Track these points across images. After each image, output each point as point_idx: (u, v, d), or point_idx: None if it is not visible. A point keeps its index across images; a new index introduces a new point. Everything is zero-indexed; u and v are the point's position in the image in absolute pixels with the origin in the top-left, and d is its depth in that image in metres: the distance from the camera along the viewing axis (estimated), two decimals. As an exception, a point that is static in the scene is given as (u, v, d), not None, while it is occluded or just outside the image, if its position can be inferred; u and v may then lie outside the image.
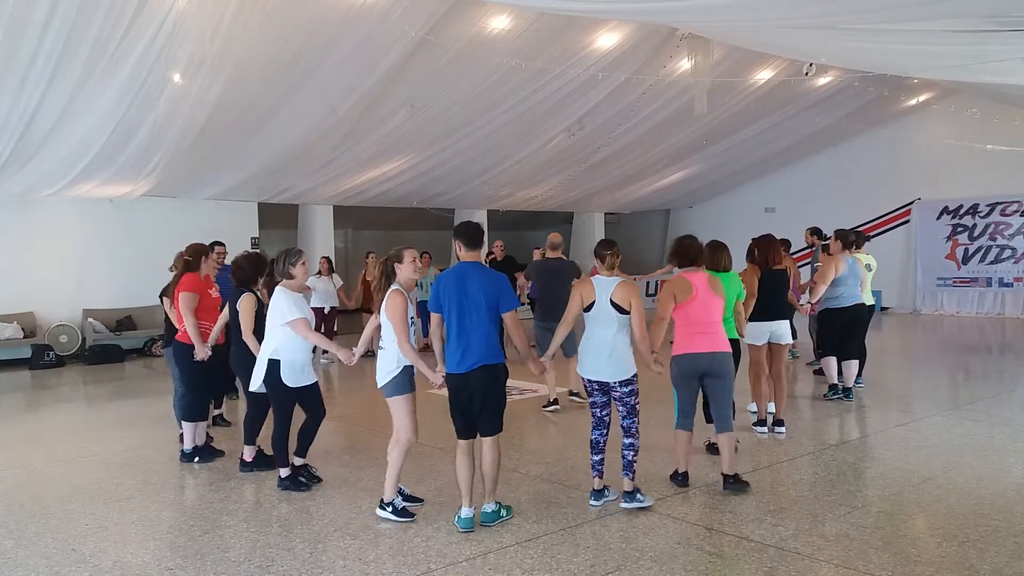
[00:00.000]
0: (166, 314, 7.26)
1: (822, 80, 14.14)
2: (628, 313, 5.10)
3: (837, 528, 4.84)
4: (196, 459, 6.64)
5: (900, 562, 4.28)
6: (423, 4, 9.53)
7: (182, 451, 6.72)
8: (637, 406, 5.22)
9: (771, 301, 7.05)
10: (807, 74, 12.47)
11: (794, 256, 11.51)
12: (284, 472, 5.80)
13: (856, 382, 8.76)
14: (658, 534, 4.78)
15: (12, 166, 11.21)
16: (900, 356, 12.20)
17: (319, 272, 12.75)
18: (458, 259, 4.99)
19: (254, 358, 6.11)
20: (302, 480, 5.82)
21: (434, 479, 5.94)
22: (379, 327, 5.14)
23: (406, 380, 5.05)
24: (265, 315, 6.23)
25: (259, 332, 6.06)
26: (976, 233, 17.80)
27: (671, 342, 5.71)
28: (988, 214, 17.59)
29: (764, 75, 13.47)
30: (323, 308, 12.25)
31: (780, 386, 7.24)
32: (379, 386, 5.10)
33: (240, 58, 9.71)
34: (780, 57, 12.57)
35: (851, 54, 9.58)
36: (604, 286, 5.15)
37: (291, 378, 5.66)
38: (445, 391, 4.98)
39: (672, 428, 5.77)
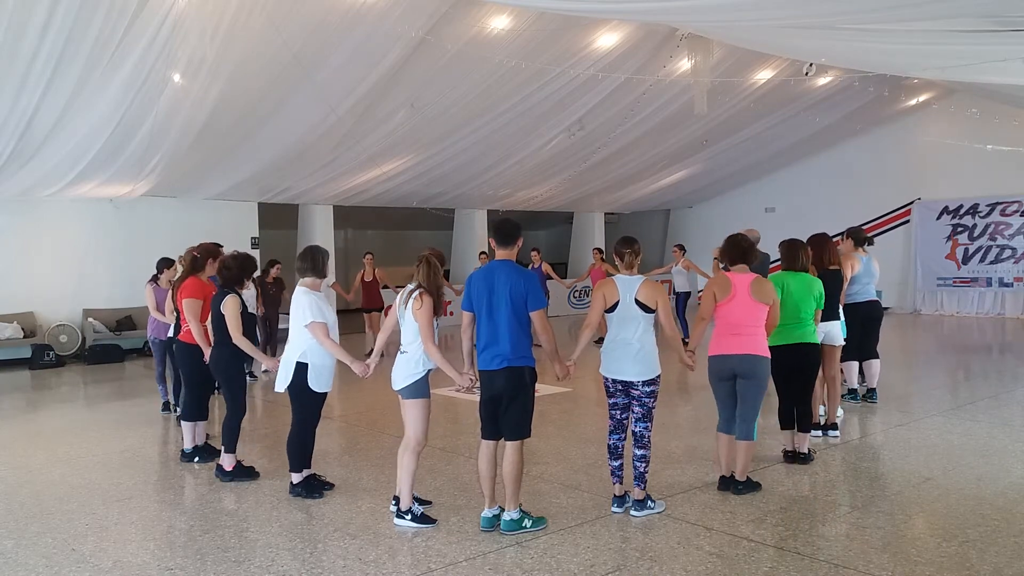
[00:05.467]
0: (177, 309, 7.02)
1: (822, 80, 14.14)
2: (653, 312, 5.04)
3: (837, 528, 4.84)
4: (196, 459, 6.62)
5: (900, 562, 4.28)
6: (423, 4, 9.54)
7: (182, 451, 6.71)
8: (654, 410, 5.13)
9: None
10: (807, 74, 12.46)
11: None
12: (296, 478, 5.61)
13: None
14: (658, 534, 4.78)
15: (12, 166, 11.21)
16: (900, 356, 12.19)
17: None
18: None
19: (235, 361, 6.03)
20: (314, 485, 5.64)
21: (434, 479, 5.94)
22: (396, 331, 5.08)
23: (427, 384, 5.00)
24: (248, 316, 6.16)
25: (246, 333, 6.03)
26: (976, 233, 17.79)
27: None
28: (988, 214, 17.59)
29: (764, 75, 13.47)
30: None
31: (833, 389, 7.12)
32: (397, 388, 5.00)
33: (240, 58, 9.71)
34: (780, 57, 12.57)
35: (851, 54, 9.58)
36: (627, 285, 5.07)
37: (318, 383, 5.49)
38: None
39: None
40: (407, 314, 4.93)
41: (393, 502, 5.13)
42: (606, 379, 5.16)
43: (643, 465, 5.07)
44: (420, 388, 4.95)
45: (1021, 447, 6.64)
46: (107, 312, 13.98)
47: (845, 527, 4.84)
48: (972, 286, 17.87)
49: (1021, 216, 17.17)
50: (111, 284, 14.09)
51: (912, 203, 18.77)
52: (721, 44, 11.17)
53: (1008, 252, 17.38)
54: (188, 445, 6.65)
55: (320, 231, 17.18)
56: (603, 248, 17.70)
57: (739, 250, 5.57)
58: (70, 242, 13.86)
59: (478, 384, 4.96)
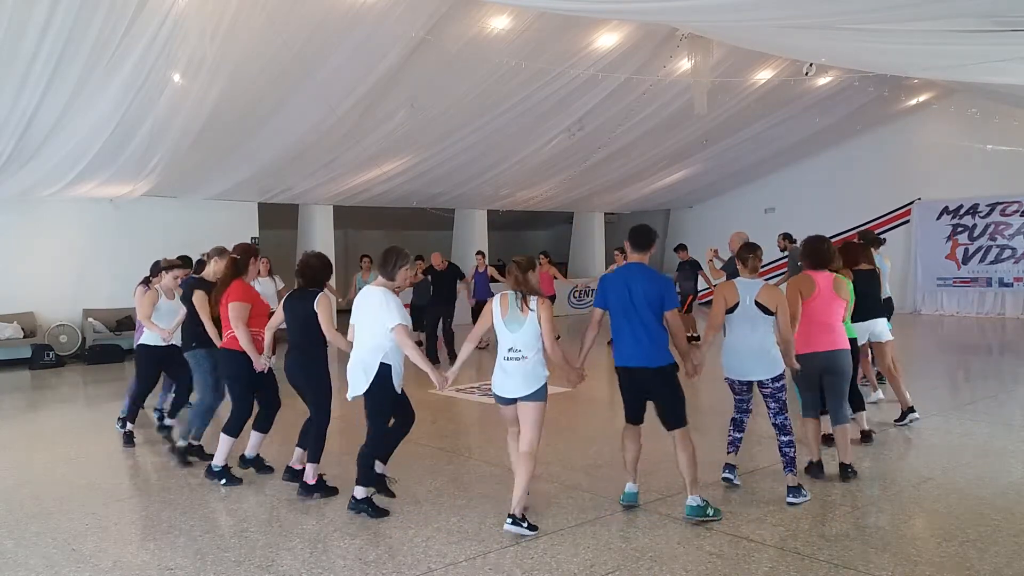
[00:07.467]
0: (189, 313, 6.57)
1: (822, 80, 14.14)
2: (773, 314, 5.26)
3: (837, 528, 4.84)
4: (223, 480, 6.00)
5: (900, 562, 4.28)
6: (423, 4, 9.53)
7: (210, 468, 6.12)
8: (786, 401, 5.40)
9: (862, 301, 6.67)
10: (807, 74, 12.46)
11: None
12: (361, 493, 5.24)
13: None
14: (658, 534, 4.78)
15: (12, 166, 11.21)
16: (900, 356, 12.15)
17: (258, 273, 11.94)
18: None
19: (322, 365, 5.69)
20: (379, 506, 5.27)
21: (434, 479, 5.94)
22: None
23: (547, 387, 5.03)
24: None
25: (309, 332, 5.62)
26: (976, 233, 17.78)
27: None
28: (988, 214, 17.58)
29: (764, 75, 13.47)
30: None
31: (895, 380, 7.48)
32: (523, 395, 4.87)
33: (240, 58, 9.70)
34: (780, 57, 12.57)
35: (851, 54, 9.58)
36: (748, 288, 5.31)
37: (399, 383, 5.29)
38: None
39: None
40: (529, 319, 4.84)
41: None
42: (732, 380, 5.46)
43: (791, 450, 5.32)
44: (545, 391, 4.97)
45: (1021, 447, 6.64)
46: (107, 312, 13.97)
47: (845, 527, 4.84)
48: (972, 286, 17.87)
49: (1021, 216, 17.16)
50: (111, 284, 14.06)
51: (912, 203, 18.76)
52: (721, 44, 11.16)
53: (1008, 252, 17.37)
54: (220, 461, 6.07)
55: (320, 231, 17.18)
56: (548, 253, 17.43)
57: (822, 257, 5.81)
58: (70, 242, 13.86)
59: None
